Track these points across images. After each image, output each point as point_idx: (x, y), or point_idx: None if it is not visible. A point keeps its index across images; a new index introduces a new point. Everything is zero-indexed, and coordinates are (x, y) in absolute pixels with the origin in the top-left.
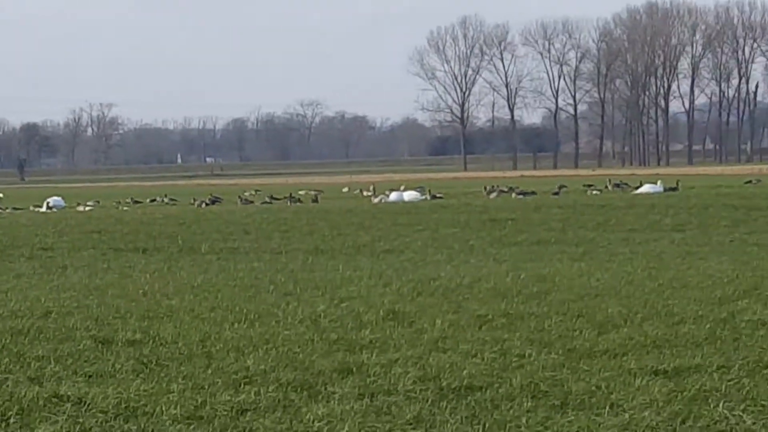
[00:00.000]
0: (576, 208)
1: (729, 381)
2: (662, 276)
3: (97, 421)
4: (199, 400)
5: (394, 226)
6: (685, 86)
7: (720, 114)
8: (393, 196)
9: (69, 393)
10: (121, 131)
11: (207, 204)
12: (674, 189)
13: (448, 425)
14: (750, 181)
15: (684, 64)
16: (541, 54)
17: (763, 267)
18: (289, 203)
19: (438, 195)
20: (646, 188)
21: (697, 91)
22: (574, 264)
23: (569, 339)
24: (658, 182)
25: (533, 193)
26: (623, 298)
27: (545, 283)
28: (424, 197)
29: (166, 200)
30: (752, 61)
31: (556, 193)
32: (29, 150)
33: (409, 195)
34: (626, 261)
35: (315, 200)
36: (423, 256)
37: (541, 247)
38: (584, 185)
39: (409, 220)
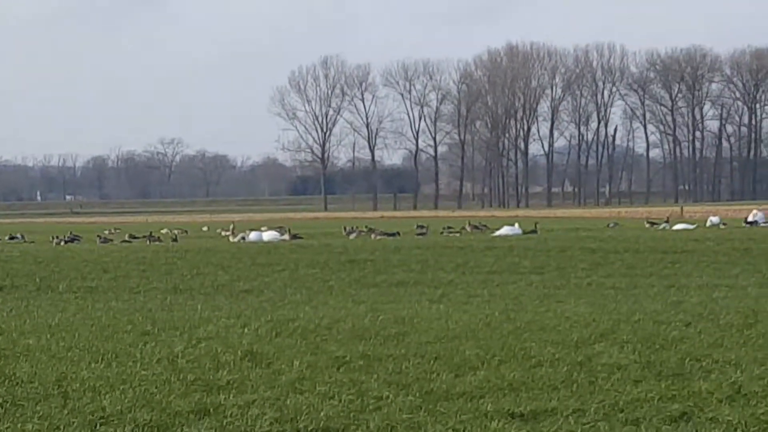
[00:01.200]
0: (435, 250)
1: (585, 424)
2: (520, 318)
3: None
4: None
5: (254, 266)
6: (545, 129)
7: (579, 157)
8: (253, 235)
9: None
10: None
11: (66, 242)
12: (533, 231)
13: None
14: (609, 225)
15: (544, 107)
16: (402, 95)
17: (619, 310)
18: (148, 242)
19: (298, 235)
20: (504, 230)
21: (556, 134)
22: (432, 306)
23: (427, 381)
24: (516, 224)
25: (397, 233)
26: (481, 340)
27: (403, 324)
28: (283, 237)
29: (24, 238)
30: (611, 105)
31: (423, 234)
32: None
33: (268, 235)
34: (484, 303)
35: (174, 239)
36: (282, 296)
37: (400, 289)
38: (444, 227)
39: (268, 260)
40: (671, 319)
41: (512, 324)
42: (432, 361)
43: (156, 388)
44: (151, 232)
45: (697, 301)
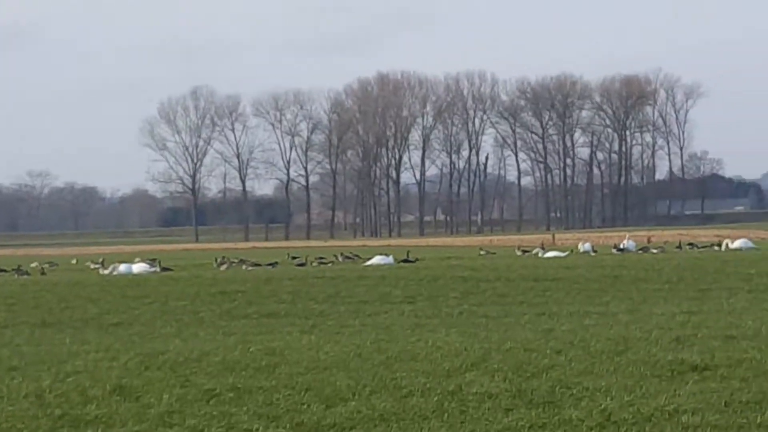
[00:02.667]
0: (306, 280)
1: None
2: (391, 348)
3: None
4: None
5: (123, 298)
6: (416, 157)
7: (451, 185)
8: (122, 267)
9: None
10: None
11: None
12: (408, 261)
13: None
14: (480, 253)
15: (415, 136)
16: (273, 125)
17: (491, 339)
18: (16, 276)
19: (168, 267)
20: (376, 260)
21: (428, 163)
22: (303, 336)
23: (297, 413)
24: (389, 255)
25: (276, 264)
26: (352, 370)
27: (274, 356)
28: (154, 269)
29: None
30: (482, 133)
31: (302, 264)
32: None
33: (138, 267)
34: (355, 333)
35: (43, 272)
36: (152, 329)
37: (271, 320)
38: (316, 257)
39: (138, 292)
40: (542, 347)
41: (383, 354)
42: (303, 393)
43: (23, 423)
44: (19, 266)
45: (568, 328)
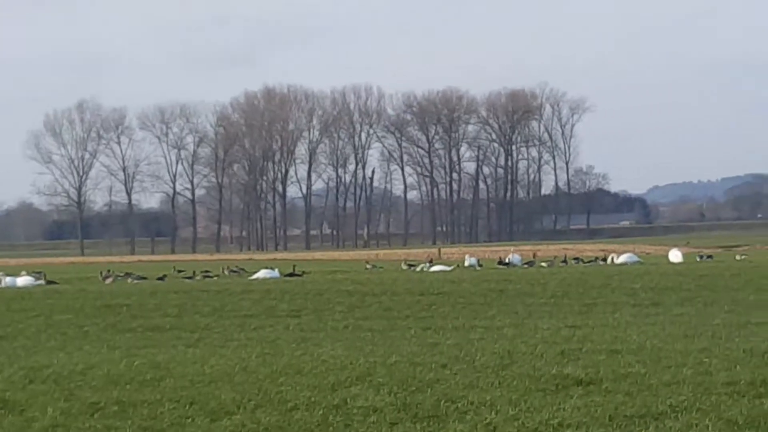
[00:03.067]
0: (192, 294)
1: None
2: (276, 362)
3: None
4: None
5: (8, 311)
6: (303, 171)
7: (337, 199)
8: (7, 280)
9: None
10: None
11: None
12: (293, 275)
13: None
14: (367, 267)
15: (301, 149)
16: (159, 138)
17: (376, 353)
18: None
19: (53, 280)
20: (262, 273)
21: (314, 176)
22: (188, 350)
23: (182, 426)
24: (275, 269)
25: (165, 277)
26: (237, 384)
27: (159, 369)
28: (39, 282)
29: None
30: (368, 147)
31: (189, 278)
32: None
33: (23, 280)
34: (241, 347)
35: None
36: (36, 342)
37: (156, 333)
38: (202, 271)
39: (22, 305)
40: (427, 360)
41: (268, 368)
42: (187, 406)
43: None
44: None
45: (454, 342)
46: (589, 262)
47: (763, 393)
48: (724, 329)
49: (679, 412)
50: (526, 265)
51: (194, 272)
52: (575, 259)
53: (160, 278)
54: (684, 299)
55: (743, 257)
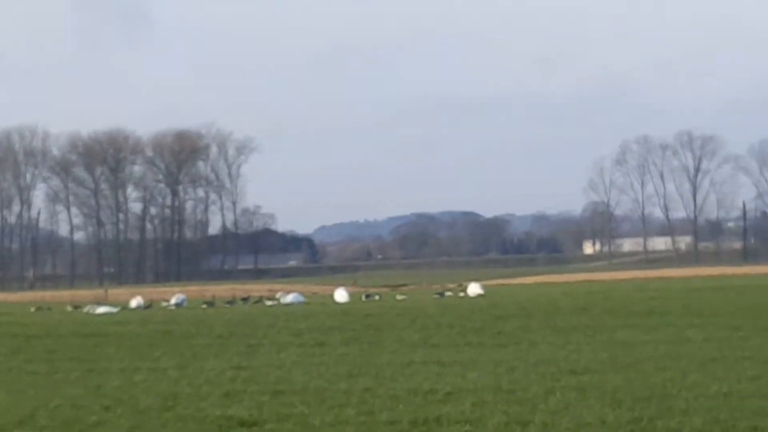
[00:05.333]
0: None
1: None
2: None
3: None
4: None
5: None
6: None
7: (3, 240)
8: None
9: None
10: None
11: None
12: None
13: None
14: (32, 310)
15: None
16: None
17: (38, 396)
18: None
19: None
20: None
21: None
22: None
23: None
24: None
25: None
26: None
27: None
28: None
29: None
30: (34, 188)
31: None
32: None
33: None
34: None
35: None
36: None
37: None
38: None
39: None
40: (90, 403)
41: None
42: None
43: None
44: None
45: (118, 384)
46: (255, 302)
47: (425, 431)
48: (388, 368)
49: None
50: (205, 305)
51: None
52: (244, 299)
53: None
54: (349, 339)
55: (403, 297)
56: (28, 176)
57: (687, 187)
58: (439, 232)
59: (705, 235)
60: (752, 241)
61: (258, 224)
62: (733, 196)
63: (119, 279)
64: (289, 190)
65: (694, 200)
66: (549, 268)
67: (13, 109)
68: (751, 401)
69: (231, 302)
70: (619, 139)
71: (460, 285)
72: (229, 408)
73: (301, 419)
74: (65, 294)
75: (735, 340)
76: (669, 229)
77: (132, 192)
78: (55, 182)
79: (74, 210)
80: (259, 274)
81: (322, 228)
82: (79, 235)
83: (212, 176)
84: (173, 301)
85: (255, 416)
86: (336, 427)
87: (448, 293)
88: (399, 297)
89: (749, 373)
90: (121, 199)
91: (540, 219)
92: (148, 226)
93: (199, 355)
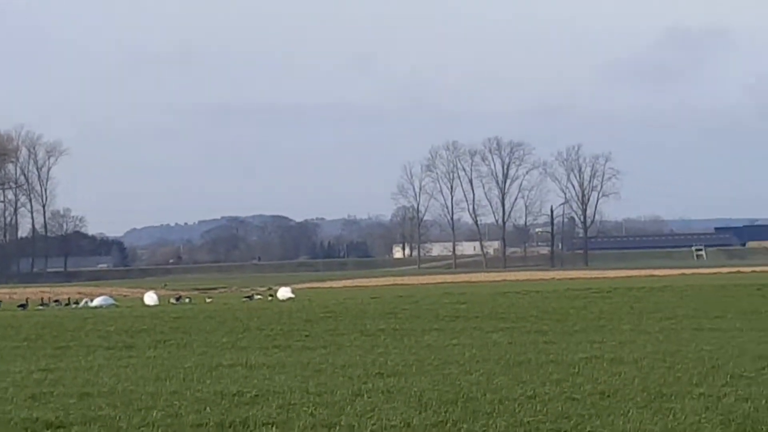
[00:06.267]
0: None
1: None
2: None
3: None
4: None
5: None
6: None
7: None
8: None
9: None
10: None
11: None
12: None
13: None
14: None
15: None
16: None
17: None
18: None
19: None
20: None
21: None
22: None
23: None
24: None
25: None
26: None
27: None
28: None
29: None
30: None
31: None
32: None
33: None
34: None
35: None
36: None
37: None
38: None
39: None
40: None
41: None
42: None
43: None
44: None
45: None
46: (66, 305)
47: None
48: (195, 371)
49: None
50: (20, 308)
51: None
52: (56, 301)
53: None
54: (158, 342)
55: (210, 300)
56: None
57: (496, 192)
58: (250, 236)
59: (513, 240)
60: (559, 246)
61: (68, 227)
62: (541, 201)
63: None
64: (99, 193)
65: (503, 206)
66: (359, 272)
67: None
68: (554, 404)
69: (44, 305)
70: (429, 144)
71: (270, 288)
72: (35, 410)
73: (107, 421)
74: None
75: (540, 344)
76: (478, 234)
77: None
78: None
79: None
80: (69, 277)
81: (133, 231)
82: None
83: (22, 179)
84: None
85: (62, 418)
86: (142, 429)
87: (258, 297)
88: (207, 300)
89: (553, 376)
90: None
91: (350, 223)
92: None
93: (5, 357)
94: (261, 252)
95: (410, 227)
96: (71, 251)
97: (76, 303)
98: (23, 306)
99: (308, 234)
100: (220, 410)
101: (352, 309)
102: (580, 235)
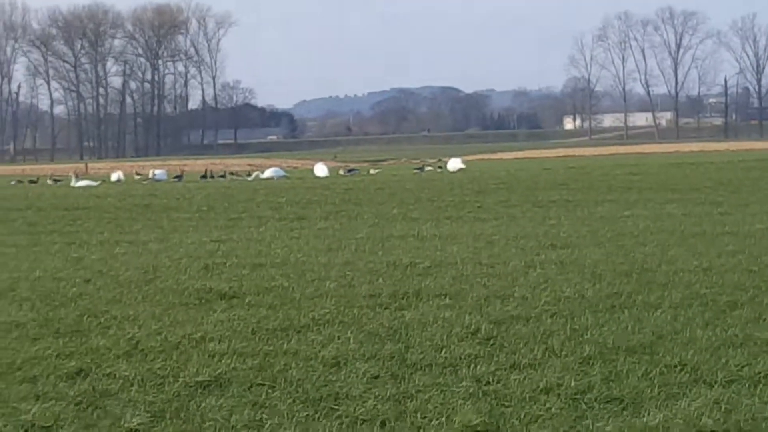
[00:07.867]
0: None
1: None
2: None
3: None
4: None
5: None
6: None
7: None
8: None
9: None
10: None
11: None
12: None
13: None
14: (12, 183)
15: None
16: None
17: (20, 268)
18: None
19: None
20: None
21: None
22: None
23: None
24: None
25: None
26: None
27: None
28: None
29: None
30: (14, 62)
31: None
32: None
33: None
34: None
35: None
36: None
37: None
38: None
39: None
40: (71, 275)
41: None
42: None
43: None
44: None
45: (98, 257)
46: (239, 177)
47: (404, 305)
48: (367, 242)
49: (322, 324)
50: (175, 179)
51: None
52: (222, 176)
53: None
54: (329, 213)
55: (377, 171)
56: (9, 50)
57: (668, 62)
58: (419, 108)
59: (686, 111)
60: (733, 117)
61: (238, 99)
62: (715, 72)
63: (99, 153)
64: (269, 65)
65: (675, 76)
66: (529, 143)
67: None
68: (730, 275)
69: (205, 177)
70: (600, 14)
71: (440, 160)
72: (208, 280)
73: (281, 292)
74: (46, 167)
75: (715, 215)
76: (650, 105)
77: (112, 66)
78: (36, 56)
79: (54, 84)
80: (239, 149)
81: (302, 103)
82: (59, 109)
83: (192, 51)
84: (156, 173)
85: (235, 289)
86: (315, 300)
87: (428, 168)
88: (372, 171)
89: (729, 248)
90: (101, 73)
91: (520, 95)
92: (128, 100)
93: (179, 228)
94: (430, 124)
95: (581, 98)
96: (241, 123)
97: (247, 175)
98: (179, 177)
99: (478, 105)
100: (393, 281)
101: (524, 180)
102: (755, 105)
